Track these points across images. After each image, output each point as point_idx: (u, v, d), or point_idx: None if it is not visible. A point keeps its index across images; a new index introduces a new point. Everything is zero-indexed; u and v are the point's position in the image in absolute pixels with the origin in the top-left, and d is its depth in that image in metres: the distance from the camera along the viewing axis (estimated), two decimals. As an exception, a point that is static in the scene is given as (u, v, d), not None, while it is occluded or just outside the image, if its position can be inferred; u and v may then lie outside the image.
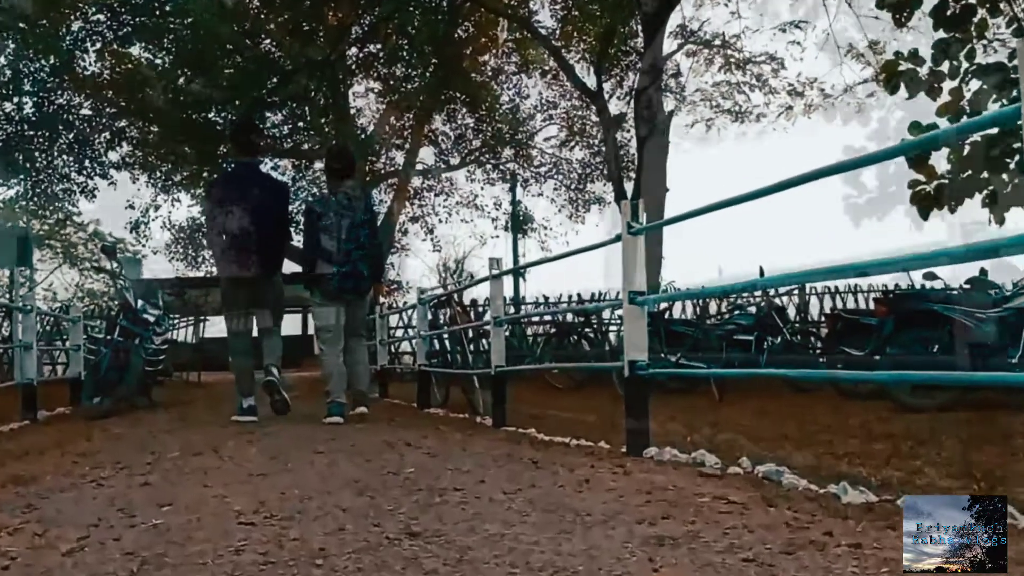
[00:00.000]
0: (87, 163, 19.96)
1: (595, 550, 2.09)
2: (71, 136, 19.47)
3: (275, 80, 16.63)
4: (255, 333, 6.67)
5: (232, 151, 7.05)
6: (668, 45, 14.87)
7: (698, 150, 26.94)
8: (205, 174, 20.53)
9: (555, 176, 24.14)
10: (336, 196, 6.35)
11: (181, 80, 17.33)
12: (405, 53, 18.37)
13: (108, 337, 7.81)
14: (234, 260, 6.28)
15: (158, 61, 18.41)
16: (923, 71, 6.77)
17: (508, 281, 14.36)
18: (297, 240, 10.62)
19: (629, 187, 14.08)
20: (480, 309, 12.69)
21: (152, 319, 7.79)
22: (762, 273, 8.21)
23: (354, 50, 18.49)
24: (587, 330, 12.32)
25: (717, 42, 17.84)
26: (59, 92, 19.09)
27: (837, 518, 2.46)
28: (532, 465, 3.61)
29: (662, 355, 8.51)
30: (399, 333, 13.79)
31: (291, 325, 28.01)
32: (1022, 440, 4.27)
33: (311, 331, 8.22)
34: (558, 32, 18.16)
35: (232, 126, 7.65)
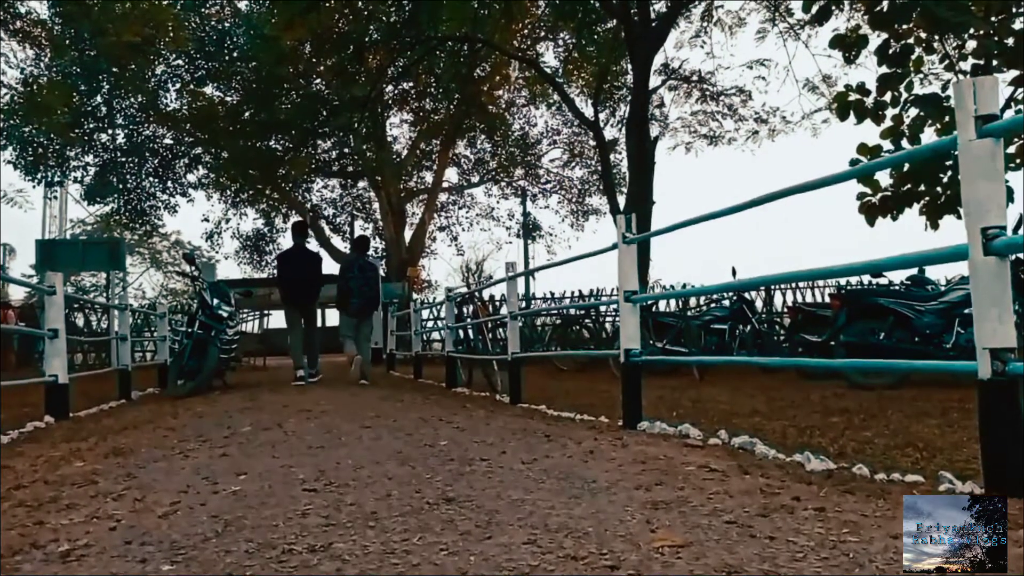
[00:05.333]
0: (169, 184, 20.20)
1: (601, 513, 2.07)
2: (156, 162, 19.69)
3: (324, 113, 16.68)
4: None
5: (293, 235, 9.36)
6: (653, 80, 14.77)
7: (710, 151, 26.60)
8: (267, 192, 20.63)
9: (559, 191, 24.20)
10: (359, 260, 9.07)
11: (247, 114, 17.42)
12: (433, 90, 18.43)
13: (189, 330, 7.84)
14: (293, 297, 8.69)
15: (228, 98, 18.52)
16: (869, 101, 6.74)
17: (520, 280, 14.33)
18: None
19: (621, 200, 14.02)
20: (497, 304, 12.67)
21: (225, 314, 7.80)
22: (734, 274, 8.20)
23: (390, 87, 18.55)
24: (587, 321, 12.26)
25: (695, 78, 17.78)
26: (145, 125, 19.27)
27: (803, 484, 2.42)
28: (545, 438, 3.57)
29: (650, 342, 8.48)
30: (430, 325, 13.78)
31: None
32: (957, 414, 4.22)
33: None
34: (561, 71, 18.15)
35: (293, 224, 10.38)
